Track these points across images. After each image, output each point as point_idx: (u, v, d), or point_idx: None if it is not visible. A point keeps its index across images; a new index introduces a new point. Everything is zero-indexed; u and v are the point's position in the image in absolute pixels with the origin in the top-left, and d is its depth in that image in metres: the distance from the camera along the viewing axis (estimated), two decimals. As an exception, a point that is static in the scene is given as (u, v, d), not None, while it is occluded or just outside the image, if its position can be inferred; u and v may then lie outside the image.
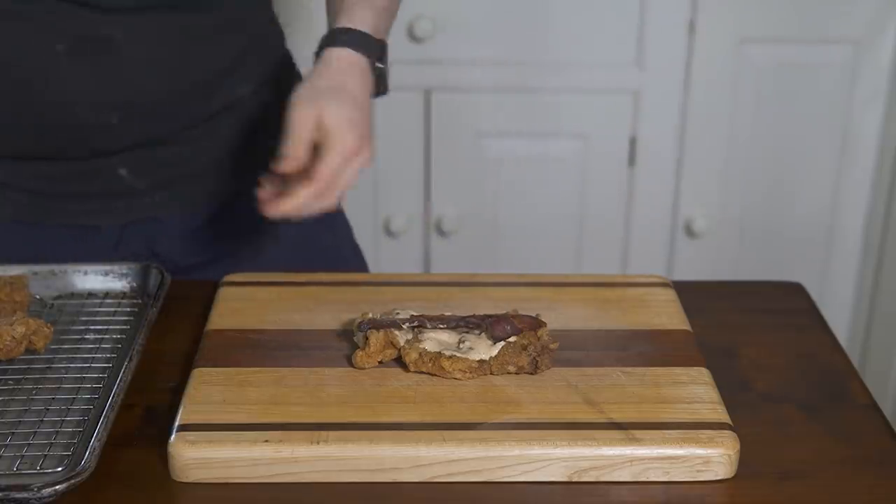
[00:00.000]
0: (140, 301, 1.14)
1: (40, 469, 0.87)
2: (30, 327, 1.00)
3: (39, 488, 0.84)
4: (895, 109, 2.14)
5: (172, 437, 0.90)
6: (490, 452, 0.89)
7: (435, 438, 0.89)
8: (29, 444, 0.91)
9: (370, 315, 1.01)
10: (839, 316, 2.28)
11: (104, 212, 1.25)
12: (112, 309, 1.12)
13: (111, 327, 1.09)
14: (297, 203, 1.04)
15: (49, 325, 1.02)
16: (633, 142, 2.17)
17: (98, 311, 1.12)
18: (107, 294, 1.15)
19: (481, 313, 1.02)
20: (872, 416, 1.00)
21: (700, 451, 0.89)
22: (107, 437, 0.90)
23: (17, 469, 0.88)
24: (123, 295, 1.15)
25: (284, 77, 1.32)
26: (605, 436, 0.90)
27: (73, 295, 1.14)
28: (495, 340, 0.99)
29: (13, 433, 0.92)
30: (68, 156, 1.21)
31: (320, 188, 1.04)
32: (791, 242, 2.25)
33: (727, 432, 0.91)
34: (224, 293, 1.12)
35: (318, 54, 1.13)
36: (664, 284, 1.16)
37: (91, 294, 1.15)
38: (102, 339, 1.07)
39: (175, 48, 1.19)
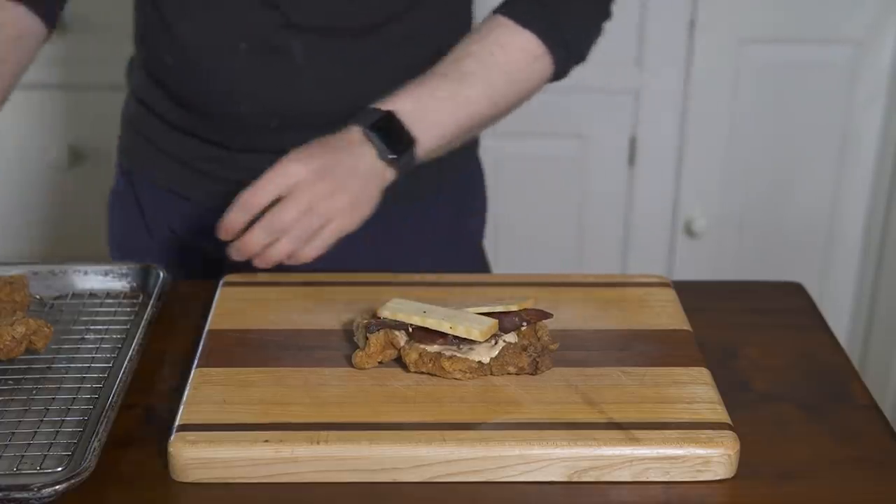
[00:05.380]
0: (140, 301, 1.13)
1: (41, 469, 0.87)
2: (30, 327, 1.00)
3: (40, 488, 0.84)
4: (895, 110, 2.14)
5: (172, 437, 0.90)
6: (490, 452, 0.89)
7: (435, 438, 0.89)
8: (29, 444, 0.91)
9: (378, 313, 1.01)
10: (839, 316, 2.28)
11: None
12: (112, 309, 1.12)
13: (111, 327, 1.09)
14: (246, 248, 1.03)
15: (49, 325, 1.02)
16: (633, 141, 2.17)
17: (98, 311, 1.12)
18: (107, 294, 1.15)
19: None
20: (872, 416, 1.00)
21: (700, 451, 0.89)
22: (107, 437, 0.90)
23: (17, 469, 0.87)
24: (124, 295, 1.15)
25: None
26: (605, 436, 0.90)
27: (73, 295, 1.14)
28: (505, 332, 0.99)
29: (13, 433, 0.92)
30: (223, 142, 1.26)
31: (264, 232, 1.02)
32: (791, 242, 2.25)
33: (727, 432, 0.91)
34: (224, 293, 1.12)
35: None
36: (664, 284, 1.16)
37: (91, 294, 1.15)
38: (103, 339, 1.07)
39: (350, 72, 1.21)
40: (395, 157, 1.09)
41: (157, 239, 1.36)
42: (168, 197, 1.34)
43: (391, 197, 1.18)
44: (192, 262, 1.35)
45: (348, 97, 1.20)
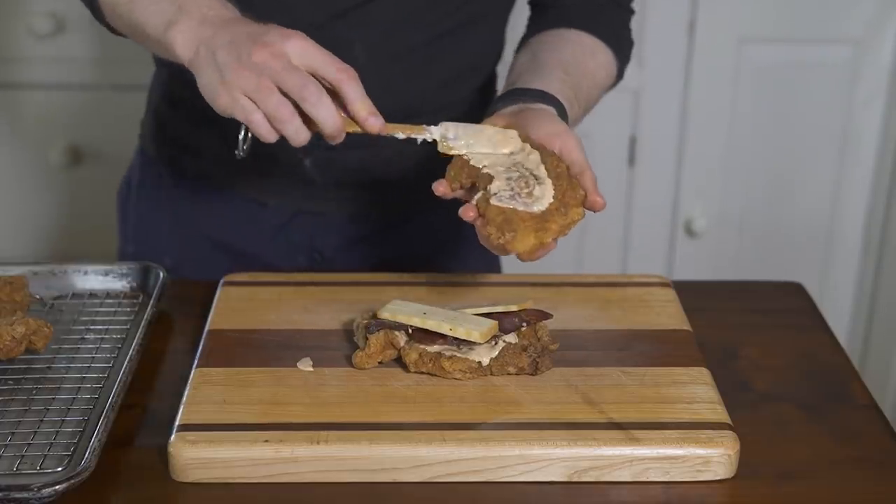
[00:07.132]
0: (140, 301, 1.14)
1: (40, 469, 0.87)
2: (30, 327, 1.00)
3: (39, 488, 0.84)
4: (895, 109, 2.14)
5: (172, 437, 0.90)
6: (490, 452, 0.89)
7: (435, 438, 0.89)
8: (29, 444, 0.91)
9: (377, 313, 1.01)
10: (839, 316, 2.28)
11: (278, 194, 1.29)
12: (112, 309, 1.12)
13: (111, 327, 1.09)
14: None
15: (49, 325, 1.02)
16: (633, 141, 2.17)
17: (98, 311, 1.12)
18: (107, 294, 1.15)
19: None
20: (872, 416, 1.00)
21: (700, 451, 0.89)
22: (107, 437, 0.90)
23: (17, 469, 0.88)
24: (124, 295, 1.15)
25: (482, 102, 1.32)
26: (605, 436, 0.90)
27: (73, 295, 1.14)
28: (505, 332, 0.99)
29: (13, 433, 0.92)
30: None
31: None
32: (791, 242, 2.25)
33: (727, 432, 0.91)
34: (224, 293, 1.12)
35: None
36: (664, 284, 1.16)
37: (91, 294, 1.15)
38: (103, 339, 1.07)
39: (405, 70, 1.22)
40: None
41: (181, 231, 1.35)
42: (198, 188, 1.32)
43: (403, 197, 1.19)
44: (212, 255, 1.34)
45: (392, 101, 1.19)
